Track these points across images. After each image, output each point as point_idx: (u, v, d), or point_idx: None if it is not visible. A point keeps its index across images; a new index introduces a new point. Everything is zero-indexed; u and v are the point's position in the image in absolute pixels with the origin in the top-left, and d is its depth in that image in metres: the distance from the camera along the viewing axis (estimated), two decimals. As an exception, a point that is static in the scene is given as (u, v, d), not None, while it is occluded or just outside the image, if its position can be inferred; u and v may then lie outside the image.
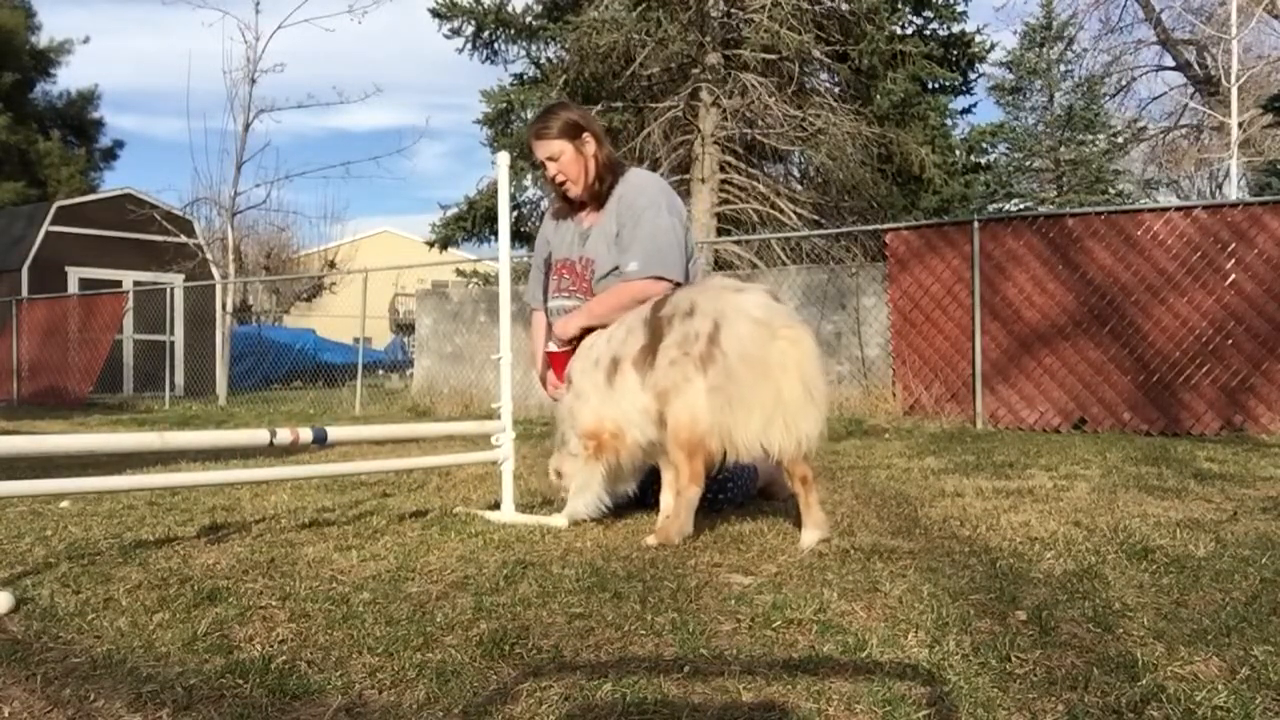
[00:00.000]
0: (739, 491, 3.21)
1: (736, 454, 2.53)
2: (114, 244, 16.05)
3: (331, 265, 23.87)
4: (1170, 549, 2.43)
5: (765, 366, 2.46)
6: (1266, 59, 19.04)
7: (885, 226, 8.19)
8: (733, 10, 12.94)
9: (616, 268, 3.04)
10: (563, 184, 3.15)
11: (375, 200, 64.49)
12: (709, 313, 2.55)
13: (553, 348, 3.17)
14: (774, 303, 2.60)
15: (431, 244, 16.37)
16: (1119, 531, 2.68)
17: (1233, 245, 6.37)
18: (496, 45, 15.48)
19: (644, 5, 12.55)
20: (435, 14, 14.92)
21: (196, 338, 14.84)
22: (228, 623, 1.85)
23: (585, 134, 3.11)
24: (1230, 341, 6.31)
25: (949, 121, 15.91)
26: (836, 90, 14.02)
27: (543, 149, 3.13)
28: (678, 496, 2.62)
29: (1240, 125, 15.43)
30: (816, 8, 12.72)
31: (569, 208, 3.26)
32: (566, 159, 3.10)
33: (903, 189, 14.41)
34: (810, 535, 2.54)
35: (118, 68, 54.64)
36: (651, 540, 2.58)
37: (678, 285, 2.95)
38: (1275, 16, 18.55)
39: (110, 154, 28.70)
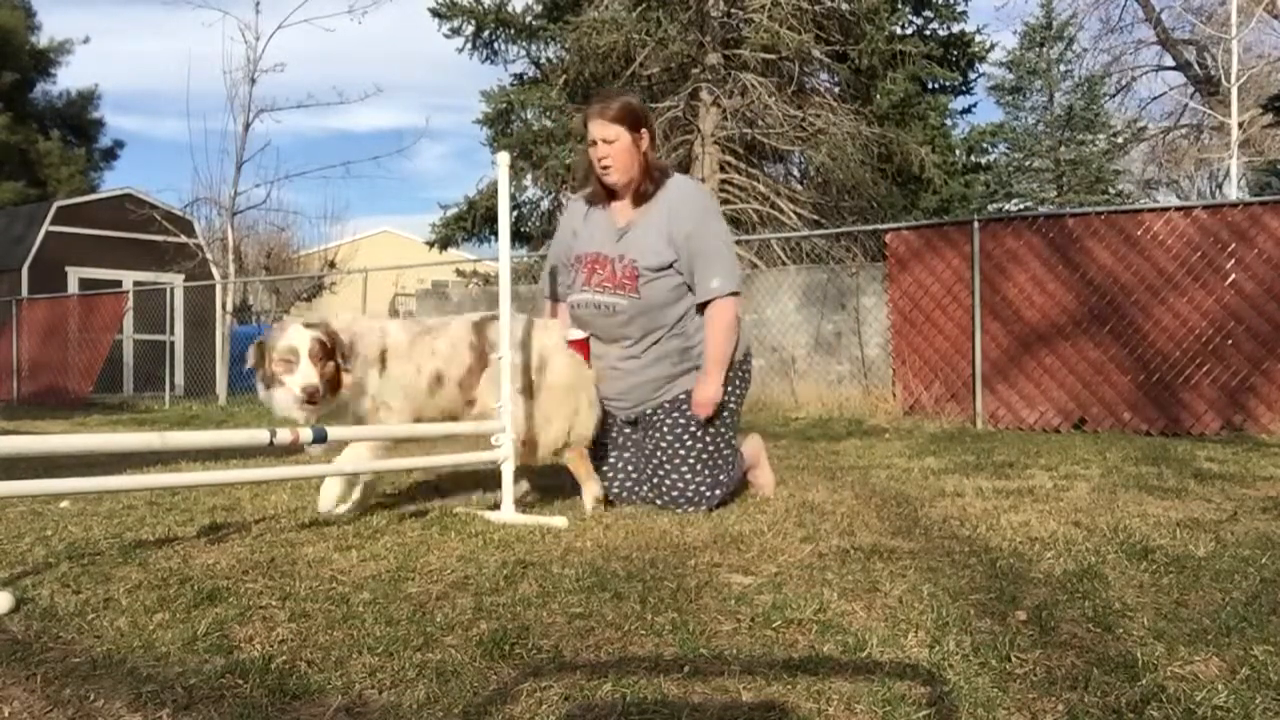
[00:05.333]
0: (732, 481, 3.27)
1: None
2: (114, 244, 16.04)
3: (331, 265, 23.83)
4: (1170, 549, 2.43)
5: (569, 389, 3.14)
6: (1266, 59, 19.05)
7: (885, 226, 8.18)
8: (733, 10, 12.95)
9: (669, 265, 3.11)
10: (606, 167, 3.15)
11: (375, 200, 64.31)
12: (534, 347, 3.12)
13: (574, 335, 3.23)
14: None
15: (431, 244, 16.39)
16: (1119, 531, 2.68)
17: (1233, 245, 6.36)
18: (496, 45, 15.51)
19: (644, 5, 12.56)
20: (435, 14, 14.94)
21: (196, 338, 14.82)
22: (228, 623, 1.85)
23: (644, 129, 3.16)
24: (1230, 341, 6.31)
25: (949, 121, 15.94)
26: (836, 90, 14.04)
27: (600, 129, 3.12)
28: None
29: (1240, 125, 15.43)
30: (816, 8, 12.72)
31: (602, 195, 3.27)
32: (620, 145, 3.12)
33: (903, 189, 14.43)
34: (588, 497, 3.17)
35: (118, 68, 54.51)
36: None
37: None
38: (1275, 16, 18.55)
39: (110, 154, 28.71)
